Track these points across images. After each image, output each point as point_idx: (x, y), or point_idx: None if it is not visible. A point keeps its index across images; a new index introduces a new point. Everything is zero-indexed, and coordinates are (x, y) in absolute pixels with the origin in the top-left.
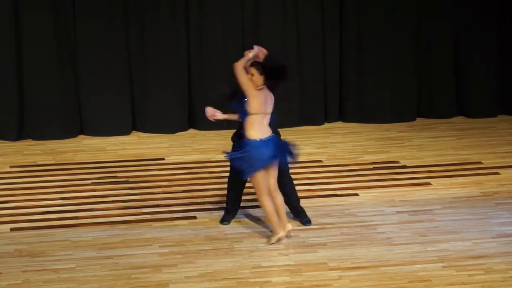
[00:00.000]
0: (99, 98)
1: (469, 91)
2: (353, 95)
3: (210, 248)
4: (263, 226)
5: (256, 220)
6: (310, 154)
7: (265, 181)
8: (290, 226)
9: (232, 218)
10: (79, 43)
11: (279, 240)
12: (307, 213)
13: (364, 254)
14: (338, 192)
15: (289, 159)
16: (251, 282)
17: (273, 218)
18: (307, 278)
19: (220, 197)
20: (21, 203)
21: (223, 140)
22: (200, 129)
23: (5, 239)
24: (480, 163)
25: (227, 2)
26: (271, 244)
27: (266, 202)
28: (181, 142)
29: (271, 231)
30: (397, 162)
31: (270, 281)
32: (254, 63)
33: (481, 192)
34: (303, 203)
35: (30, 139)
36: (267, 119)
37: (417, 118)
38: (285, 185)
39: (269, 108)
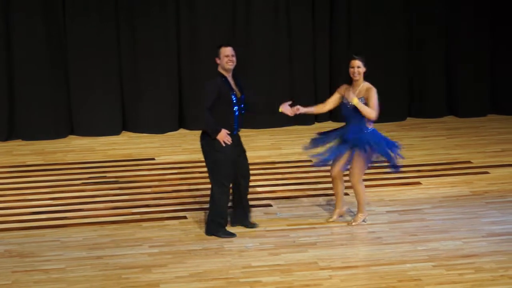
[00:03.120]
0: (89, 98)
1: (459, 91)
2: None
3: (200, 248)
4: (254, 227)
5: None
6: (299, 154)
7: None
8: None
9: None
10: (70, 44)
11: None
12: (295, 212)
13: (354, 253)
14: (328, 192)
15: None
16: (241, 282)
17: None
18: (298, 278)
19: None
20: (10, 204)
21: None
22: (190, 129)
23: None
24: (470, 162)
25: (218, 3)
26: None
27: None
28: (171, 142)
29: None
30: (387, 161)
31: (260, 281)
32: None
33: (471, 191)
34: (293, 202)
35: (19, 139)
36: None
37: (407, 118)
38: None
39: None
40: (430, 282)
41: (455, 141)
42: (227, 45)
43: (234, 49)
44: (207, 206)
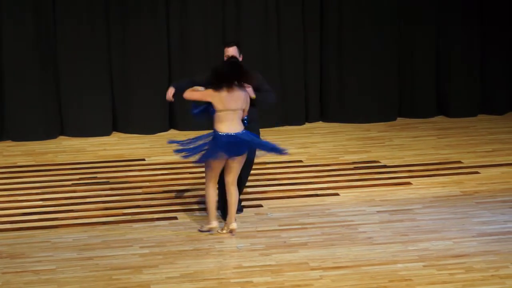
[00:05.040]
0: (80, 99)
1: (449, 91)
2: (334, 95)
3: (191, 248)
4: (245, 227)
5: (237, 220)
6: (290, 154)
7: (216, 172)
8: (235, 225)
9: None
10: (60, 44)
11: (210, 230)
12: (286, 213)
13: (345, 253)
14: (319, 192)
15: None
16: (232, 282)
17: (211, 208)
18: (288, 278)
19: (200, 198)
20: (1, 205)
21: None
22: (180, 130)
23: None
24: (460, 162)
25: (208, 2)
26: (201, 231)
27: (209, 191)
28: (161, 143)
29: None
30: (378, 161)
31: (251, 281)
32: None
33: (461, 192)
34: (284, 203)
35: (10, 140)
36: (235, 115)
37: (398, 118)
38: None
39: (234, 105)
40: (421, 282)
41: (446, 141)
42: (230, 44)
43: (239, 47)
44: (197, 206)
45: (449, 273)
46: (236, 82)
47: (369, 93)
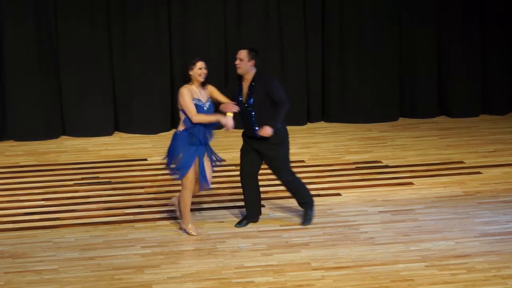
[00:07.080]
0: (81, 99)
1: (451, 91)
2: (336, 95)
3: (193, 248)
4: (246, 227)
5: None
6: (292, 154)
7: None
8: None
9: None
10: (61, 44)
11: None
12: (287, 213)
13: (347, 254)
14: (321, 192)
15: None
16: (234, 282)
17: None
18: (290, 278)
19: (201, 198)
20: (3, 204)
21: None
22: None
23: None
24: (462, 162)
25: (210, 3)
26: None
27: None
28: (163, 143)
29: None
30: (380, 162)
31: (253, 281)
32: None
33: (463, 192)
34: (286, 202)
35: (12, 140)
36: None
37: (400, 118)
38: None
39: None
40: (423, 283)
41: (447, 141)
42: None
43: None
44: (198, 206)
45: (451, 274)
46: None
47: (371, 93)
